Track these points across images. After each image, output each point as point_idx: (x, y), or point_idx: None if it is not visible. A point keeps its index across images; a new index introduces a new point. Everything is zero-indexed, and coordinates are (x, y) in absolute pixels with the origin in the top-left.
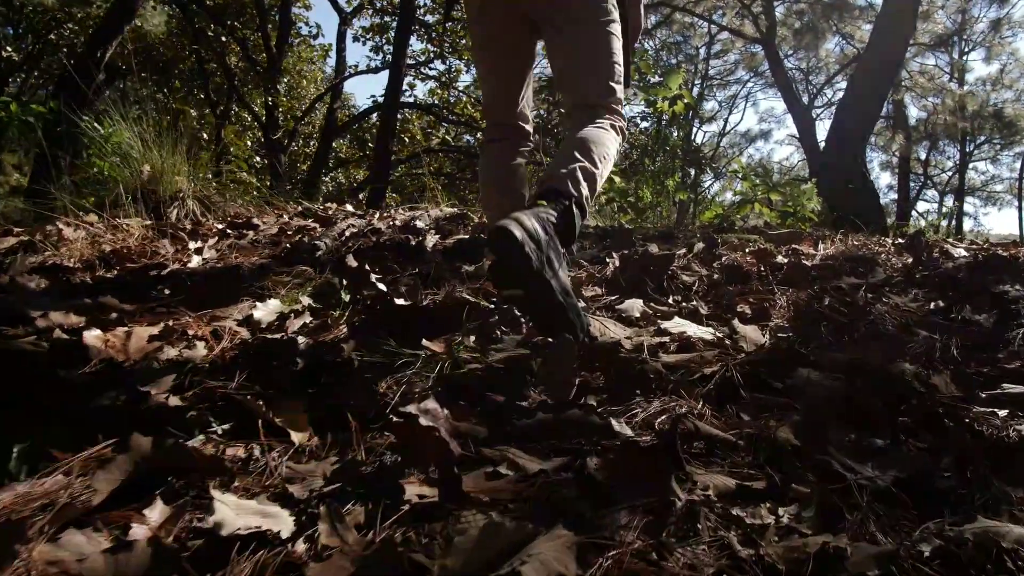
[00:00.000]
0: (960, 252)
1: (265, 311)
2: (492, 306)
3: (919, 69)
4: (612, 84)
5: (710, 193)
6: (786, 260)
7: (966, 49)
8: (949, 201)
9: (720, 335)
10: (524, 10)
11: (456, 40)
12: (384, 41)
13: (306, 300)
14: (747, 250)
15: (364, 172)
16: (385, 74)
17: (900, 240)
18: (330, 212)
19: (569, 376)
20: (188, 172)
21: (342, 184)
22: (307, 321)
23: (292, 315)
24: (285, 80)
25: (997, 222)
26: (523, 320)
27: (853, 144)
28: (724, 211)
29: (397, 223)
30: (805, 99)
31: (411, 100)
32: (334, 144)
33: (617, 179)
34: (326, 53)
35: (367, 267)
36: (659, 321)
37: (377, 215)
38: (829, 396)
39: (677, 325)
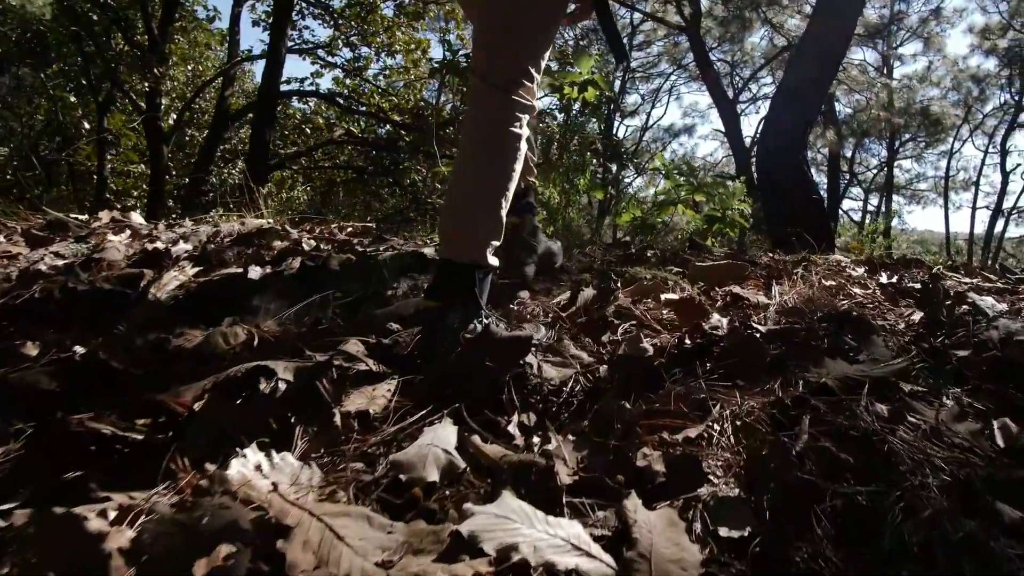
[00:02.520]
0: (989, 303)
1: None
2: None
3: (847, 62)
4: (529, 48)
5: (632, 190)
6: (726, 321)
7: (895, 43)
8: (875, 199)
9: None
10: None
11: (364, 26)
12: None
13: None
14: (664, 299)
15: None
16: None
17: (886, 272)
18: (92, 225)
19: None
20: None
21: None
22: None
23: None
24: (173, 66)
25: (921, 220)
26: None
27: (793, 144)
28: (644, 213)
29: (154, 245)
30: (731, 93)
31: (312, 89)
32: (242, 137)
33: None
34: (224, 38)
35: None
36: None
37: (127, 233)
38: None
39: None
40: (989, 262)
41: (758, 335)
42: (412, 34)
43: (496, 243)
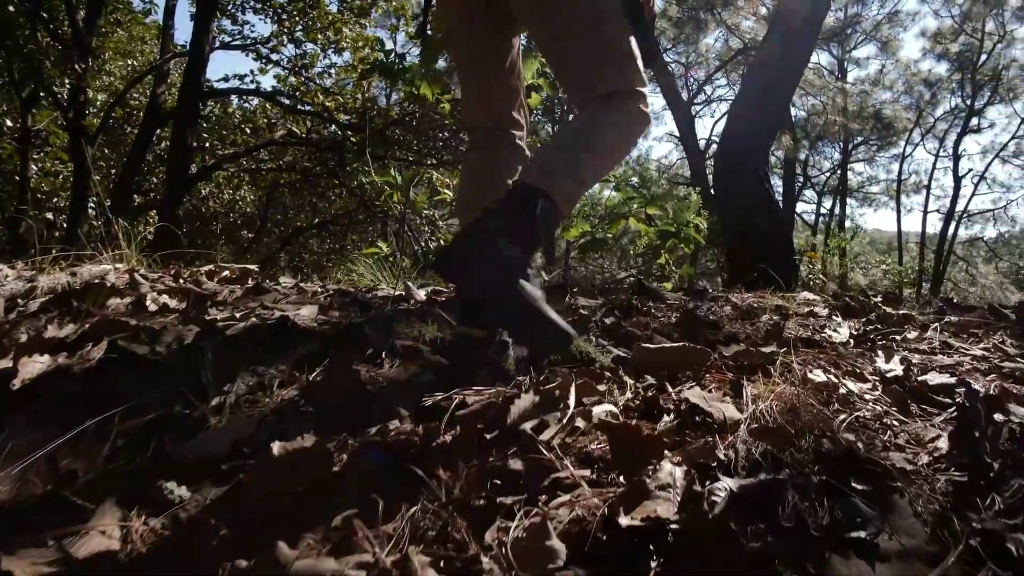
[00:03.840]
0: None
1: None
2: None
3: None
4: (613, 68)
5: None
6: (681, 475)
7: (850, 47)
8: (828, 202)
9: None
10: None
11: (310, 22)
12: (225, 19)
13: None
14: (596, 417)
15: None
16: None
17: (857, 321)
18: None
19: None
20: None
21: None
22: None
23: None
24: (107, 60)
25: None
26: None
27: (754, 160)
28: (592, 228)
29: None
30: (685, 95)
31: (251, 87)
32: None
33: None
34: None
35: None
36: None
37: None
38: None
39: None
40: (942, 266)
41: (726, 501)
42: (360, 31)
43: (574, 200)
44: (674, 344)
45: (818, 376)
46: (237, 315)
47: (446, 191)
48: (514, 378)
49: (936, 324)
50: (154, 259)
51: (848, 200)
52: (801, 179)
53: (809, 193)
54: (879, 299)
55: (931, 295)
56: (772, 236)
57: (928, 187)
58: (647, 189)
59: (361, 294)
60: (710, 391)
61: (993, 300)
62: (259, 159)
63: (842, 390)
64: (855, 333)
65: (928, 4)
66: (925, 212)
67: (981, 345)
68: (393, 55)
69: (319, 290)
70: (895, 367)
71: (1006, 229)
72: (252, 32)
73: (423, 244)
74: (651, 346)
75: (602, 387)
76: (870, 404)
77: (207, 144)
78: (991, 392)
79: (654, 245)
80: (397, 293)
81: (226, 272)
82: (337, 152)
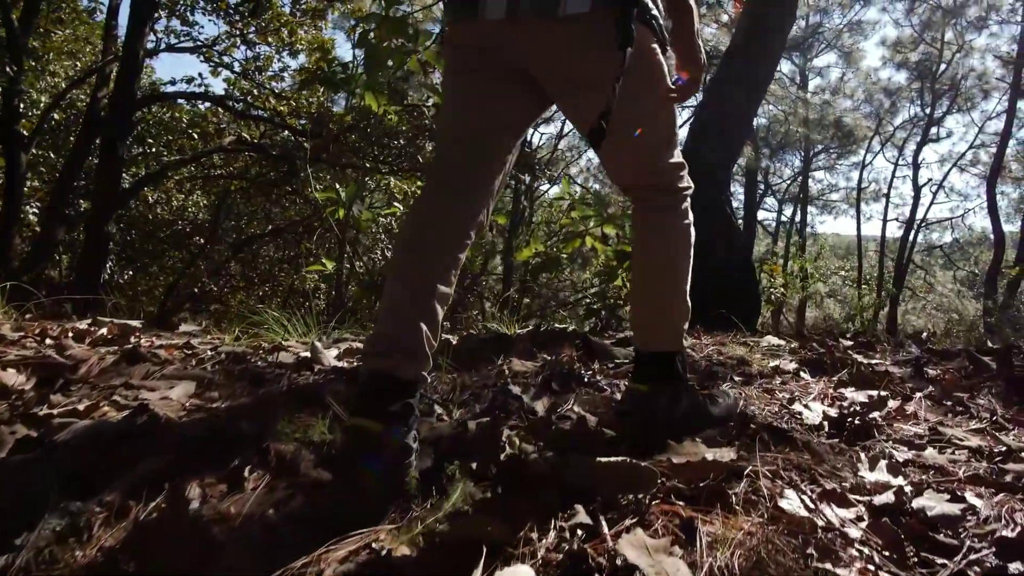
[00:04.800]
0: None
1: None
2: None
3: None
4: (657, 159)
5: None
6: None
7: (811, 56)
8: (788, 209)
9: None
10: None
11: (263, 23)
12: (175, 19)
13: None
14: None
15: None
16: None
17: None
18: None
19: None
20: None
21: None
22: None
23: None
24: (49, 61)
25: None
26: None
27: (714, 183)
28: (546, 249)
29: None
30: None
31: (200, 91)
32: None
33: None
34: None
35: None
36: None
37: None
38: None
39: None
40: (904, 268)
41: None
42: (316, 33)
43: (687, 321)
44: (613, 461)
45: (791, 503)
46: (82, 406)
47: (397, 206)
48: (415, 497)
49: (919, 394)
50: (30, 308)
51: (808, 207)
52: (763, 187)
53: (770, 200)
54: (849, 343)
55: (903, 335)
56: (733, 270)
57: (888, 195)
58: (603, 207)
59: (260, 357)
60: (655, 532)
61: (951, 309)
62: (210, 165)
63: (820, 522)
64: (830, 414)
65: (888, 13)
66: (884, 220)
67: (973, 425)
68: (335, 64)
69: (212, 351)
70: (882, 477)
71: (962, 234)
72: (201, 33)
73: (370, 262)
74: (586, 460)
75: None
76: (856, 548)
77: (152, 149)
78: (1005, 534)
79: (610, 266)
80: (304, 355)
81: (102, 331)
82: (289, 159)
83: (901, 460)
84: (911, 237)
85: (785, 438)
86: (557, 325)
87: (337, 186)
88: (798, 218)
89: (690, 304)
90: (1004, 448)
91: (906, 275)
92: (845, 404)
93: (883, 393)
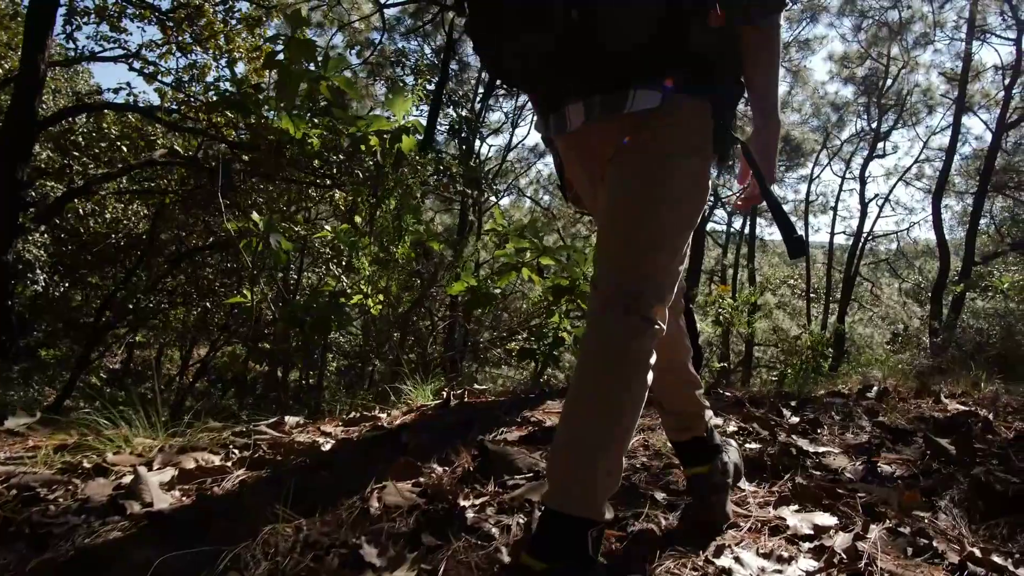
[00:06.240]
0: None
1: None
2: None
3: None
4: (646, 267)
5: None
6: None
7: None
8: (737, 222)
9: None
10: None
11: (198, 31)
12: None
13: None
14: None
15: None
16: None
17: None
18: None
19: None
20: None
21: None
22: None
23: None
24: None
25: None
26: None
27: None
28: (479, 283)
29: None
30: None
31: (129, 101)
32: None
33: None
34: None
35: None
36: None
37: None
38: None
39: None
40: (851, 279)
41: None
42: (255, 40)
43: (614, 491)
44: None
45: None
46: None
47: (327, 228)
48: None
49: (874, 529)
50: None
51: (757, 219)
52: (712, 199)
53: (720, 212)
54: (795, 421)
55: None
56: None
57: (835, 208)
58: (539, 238)
59: (69, 490)
60: None
61: (898, 320)
62: (145, 177)
63: None
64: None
65: (836, 28)
66: (832, 233)
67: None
68: (244, 86)
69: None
70: None
71: (907, 246)
72: (129, 41)
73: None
74: None
75: None
76: None
77: (72, 164)
78: None
79: (547, 302)
80: (127, 480)
81: None
82: (225, 173)
83: None
84: (858, 249)
85: None
86: (477, 386)
87: (255, 215)
88: (747, 230)
89: (621, 465)
90: None
91: (853, 286)
92: (785, 555)
93: (831, 522)
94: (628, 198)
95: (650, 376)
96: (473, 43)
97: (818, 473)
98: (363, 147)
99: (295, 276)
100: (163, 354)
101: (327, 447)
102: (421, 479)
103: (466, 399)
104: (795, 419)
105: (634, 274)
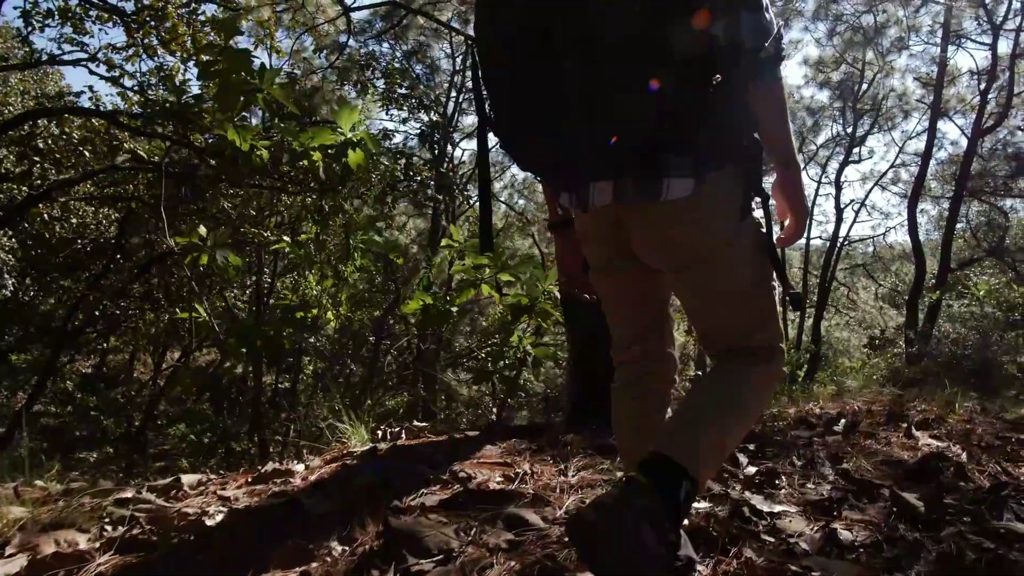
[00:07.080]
0: None
1: None
2: None
3: None
4: (757, 321)
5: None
6: None
7: None
8: None
9: None
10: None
11: (165, 33)
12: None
13: None
14: None
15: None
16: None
17: None
18: None
19: None
20: None
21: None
22: None
23: None
24: None
25: None
26: None
27: None
28: (435, 301)
29: None
30: None
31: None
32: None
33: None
34: None
35: None
36: None
37: None
38: None
39: None
40: (827, 284)
41: None
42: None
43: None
44: None
45: None
46: None
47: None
48: None
49: None
50: None
51: None
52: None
53: None
54: (752, 471)
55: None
56: None
57: (811, 213)
58: (499, 255)
59: None
60: None
61: (874, 324)
62: (111, 182)
63: None
64: None
65: (810, 32)
66: (808, 238)
67: None
68: (185, 96)
69: None
70: None
71: (882, 247)
72: (92, 42)
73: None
74: None
75: None
76: None
77: (37, 168)
78: None
79: (506, 321)
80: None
81: None
82: (190, 179)
83: None
84: (835, 254)
85: None
86: (416, 424)
87: (201, 228)
88: None
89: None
90: None
91: (830, 291)
92: None
93: None
94: (713, 302)
95: (764, 398)
96: (500, 143)
97: (771, 540)
98: (305, 162)
99: (269, 280)
100: (135, 359)
101: (217, 519)
102: (313, 564)
103: (401, 441)
104: (752, 469)
105: (754, 332)
